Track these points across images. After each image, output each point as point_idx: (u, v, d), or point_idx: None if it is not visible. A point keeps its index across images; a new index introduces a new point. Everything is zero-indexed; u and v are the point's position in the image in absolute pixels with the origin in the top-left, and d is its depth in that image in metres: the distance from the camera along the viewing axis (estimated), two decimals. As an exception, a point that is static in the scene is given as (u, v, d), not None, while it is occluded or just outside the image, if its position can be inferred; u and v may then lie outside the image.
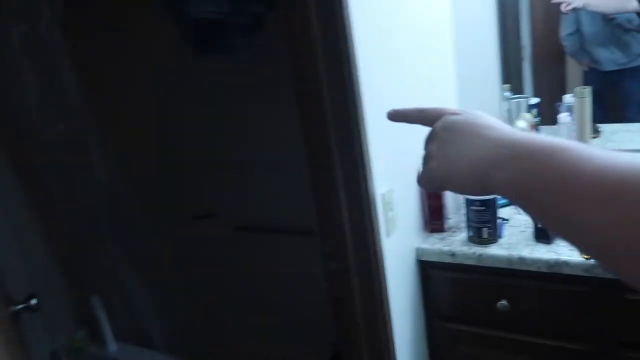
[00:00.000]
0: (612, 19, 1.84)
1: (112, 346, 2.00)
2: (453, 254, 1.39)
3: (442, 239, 1.47)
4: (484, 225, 1.38)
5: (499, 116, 1.87)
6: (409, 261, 1.42)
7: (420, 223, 1.51)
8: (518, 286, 1.35)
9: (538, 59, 2.08)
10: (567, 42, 1.96)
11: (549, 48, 2.05)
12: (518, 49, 2.05)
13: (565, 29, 1.95)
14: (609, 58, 1.89)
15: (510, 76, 2.00)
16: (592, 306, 1.28)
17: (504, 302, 1.35)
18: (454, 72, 1.84)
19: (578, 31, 1.93)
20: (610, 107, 1.89)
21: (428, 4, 1.57)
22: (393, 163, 1.31)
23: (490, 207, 1.36)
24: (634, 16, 1.83)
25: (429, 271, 1.46)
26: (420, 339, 1.51)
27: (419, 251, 1.44)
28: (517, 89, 1.97)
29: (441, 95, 1.71)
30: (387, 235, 1.25)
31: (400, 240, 1.35)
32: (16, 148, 1.93)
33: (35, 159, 1.88)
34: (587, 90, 1.66)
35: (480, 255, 1.36)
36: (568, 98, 1.76)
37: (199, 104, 1.98)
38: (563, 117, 1.66)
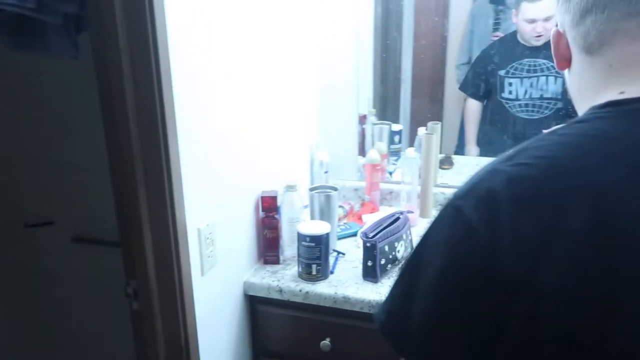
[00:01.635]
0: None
1: None
2: (281, 290, 1.33)
3: (274, 272, 1.40)
4: (313, 262, 1.33)
5: (359, 141, 1.85)
6: (236, 296, 1.34)
7: (255, 254, 1.44)
8: (341, 325, 1.32)
9: (415, 85, 2.07)
10: (460, 70, 1.98)
11: (428, 75, 2.04)
12: (396, 73, 2.02)
13: (460, 58, 1.96)
14: None
15: (385, 101, 1.98)
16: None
17: (326, 341, 1.32)
18: (314, 95, 1.79)
19: (470, 60, 1.96)
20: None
21: (295, 23, 1.51)
22: (219, 193, 1.21)
23: (320, 244, 1.32)
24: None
25: (258, 306, 1.39)
26: (245, 375, 1.44)
27: (246, 285, 1.37)
28: (390, 115, 1.95)
29: (299, 119, 1.65)
30: (201, 273, 1.16)
31: (223, 276, 1.26)
32: None
33: None
34: (437, 127, 1.69)
35: (307, 292, 1.31)
36: (421, 131, 1.78)
37: (32, 104, 1.76)
38: (409, 151, 1.67)
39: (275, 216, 1.41)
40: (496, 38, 1.86)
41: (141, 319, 1.11)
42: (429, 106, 2.07)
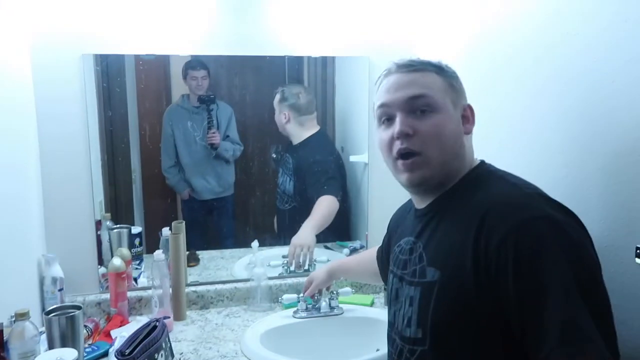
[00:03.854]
0: (214, 149, 1.99)
1: None
2: None
3: None
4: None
5: (96, 249, 1.70)
6: None
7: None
8: None
9: (147, 186, 2.03)
10: (169, 174, 2.01)
11: (158, 175, 2.03)
12: (128, 174, 1.95)
13: (166, 162, 1.99)
14: (206, 188, 2.02)
15: (117, 203, 1.87)
16: None
17: None
18: (39, 198, 1.60)
19: (178, 163, 2.00)
20: (208, 235, 1.99)
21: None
22: None
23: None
24: (230, 146, 2.02)
25: None
26: None
27: None
28: (124, 217, 1.86)
29: (22, 226, 1.42)
30: None
31: None
32: None
33: None
34: (182, 226, 1.70)
35: None
36: (166, 231, 1.75)
37: None
38: (157, 254, 1.62)
39: (2, 354, 1.16)
40: (213, 136, 2.01)
41: None
42: (164, 205, 2.07)
